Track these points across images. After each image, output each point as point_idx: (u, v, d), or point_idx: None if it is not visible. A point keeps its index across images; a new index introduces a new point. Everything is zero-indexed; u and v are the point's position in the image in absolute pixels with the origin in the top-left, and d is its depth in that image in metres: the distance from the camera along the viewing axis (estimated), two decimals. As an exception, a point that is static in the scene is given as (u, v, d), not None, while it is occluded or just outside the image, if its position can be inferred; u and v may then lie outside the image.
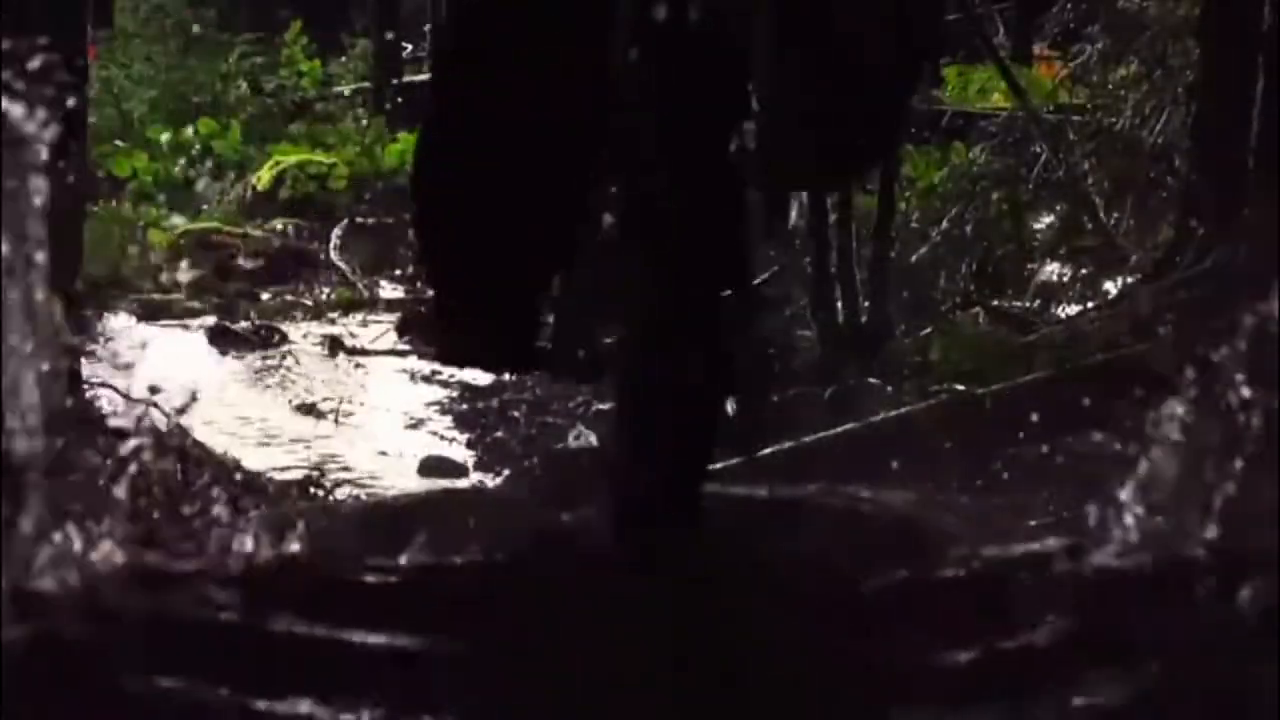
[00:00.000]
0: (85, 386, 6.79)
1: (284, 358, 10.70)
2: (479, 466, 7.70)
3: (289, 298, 12.74)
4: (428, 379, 9.98)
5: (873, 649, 2.36)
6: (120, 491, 2.91)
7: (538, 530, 3.27)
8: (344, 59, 20.59)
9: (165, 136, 15.59)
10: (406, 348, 11.07)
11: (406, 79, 19.59)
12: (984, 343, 8.68)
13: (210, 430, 7.94)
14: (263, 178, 15.49)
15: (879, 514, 3.60)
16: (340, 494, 6.82)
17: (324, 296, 12.97)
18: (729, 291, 3.54)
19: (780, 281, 11.17)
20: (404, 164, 16.75)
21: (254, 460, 7.29)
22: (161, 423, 6.81)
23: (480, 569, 2.65)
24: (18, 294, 2.57)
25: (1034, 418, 7.17)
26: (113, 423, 6.70)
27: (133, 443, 3.36)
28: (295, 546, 3.20)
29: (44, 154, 2.64)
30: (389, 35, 19.61)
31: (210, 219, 14.10)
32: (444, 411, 8.92)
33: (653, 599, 2.47)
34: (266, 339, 11.21)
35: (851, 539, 3.13)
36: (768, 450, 7.29)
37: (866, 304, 9.34)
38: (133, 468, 3.18)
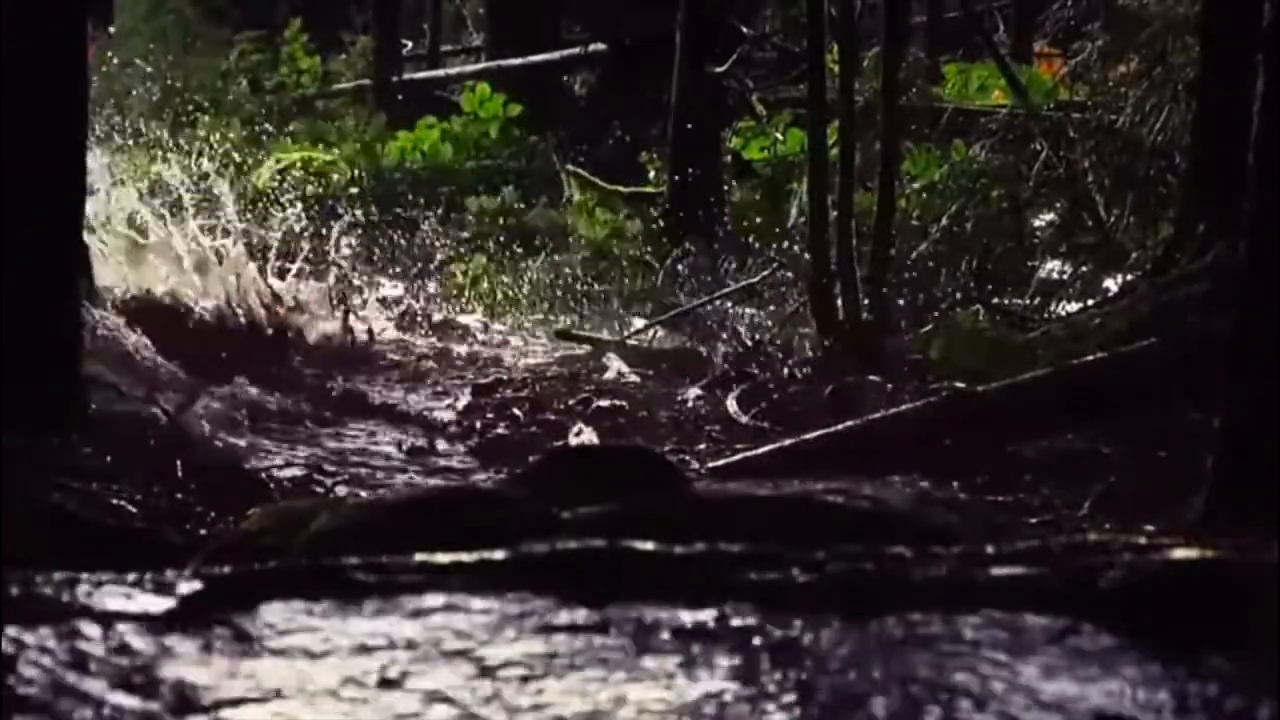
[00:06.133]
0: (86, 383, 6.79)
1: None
2: (479, 463, 7.71)
3: (288, 294, 12.72)
4: (428, 375, 9.99)
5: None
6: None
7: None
8: (344, 56, 20.60)
9: (165, 134, 15.60)
10: (405, 343, 11.09)
11: (406, 76, 19.62)
12: (984, 340, 8.68)
13: (210, 427, 7.94)
14: (263, 174, 15.49)
15: (877, 510, 3.61)
16: (340, 491, 6.82)
17: (322, 292, 12.96)
18: None
19: (780, 278, 11.20)
20: (404, 160, 16.79)
21: (254, 457, 7.29)
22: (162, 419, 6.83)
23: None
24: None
25: (1034, 414, 7.19)
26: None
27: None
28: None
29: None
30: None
31: (210, 216, 14.09)
32: (445, 407, 8.93)
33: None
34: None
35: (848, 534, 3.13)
36: (769, 448, 7.30)
37: (866, 301, 9.35)
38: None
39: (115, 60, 16.31)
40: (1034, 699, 2.26)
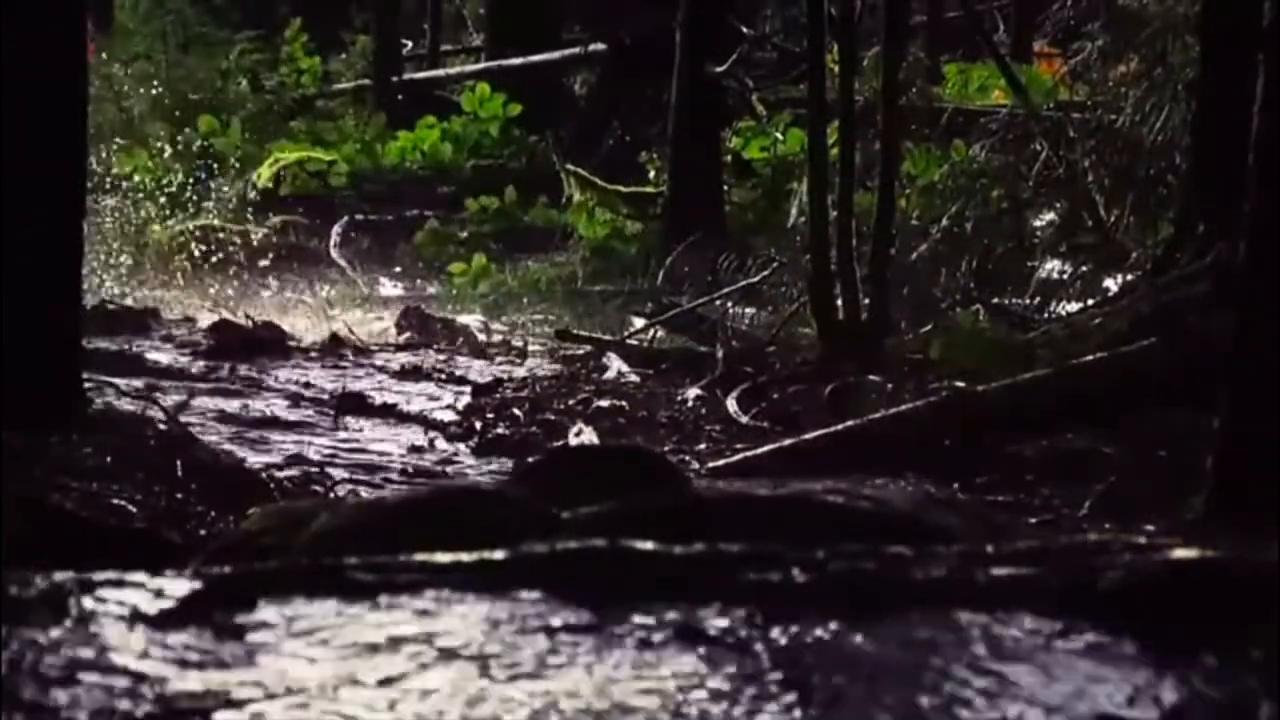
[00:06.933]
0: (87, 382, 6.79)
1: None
2: (479, 463, 7.71)
3: (289, 294, 12.75)
4: (428, 375, 9.99)
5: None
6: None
7: None
8: (344, 56, 20.61)
9: (165, 134, 15.61)
10: (405, 343, 11.10)
11: (407, 76, 19.62)
12: (984, 340, 8.68)
13: (210, 426, 7.95)
14: (263, 174, 15.50)
15: (877, 510, 3.60)
16: (340, 491, 6.82)
17: (324, 293, 12.98)
18: None
19: (780, 278, 11.20)
20: (404, 160, 16.79)
21: (254, 457, 7.29)
22: (161, 418, 6.83)
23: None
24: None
25: (1034, 414, 7.19)
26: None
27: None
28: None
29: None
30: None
31: (211, 216, 14.12)
32: (445, 407, 8.93)
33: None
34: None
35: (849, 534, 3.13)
36: (769, 448, 7.29)
37: (866, 301, 9.36)
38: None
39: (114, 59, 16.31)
40: (1034, 699, 2.26)
